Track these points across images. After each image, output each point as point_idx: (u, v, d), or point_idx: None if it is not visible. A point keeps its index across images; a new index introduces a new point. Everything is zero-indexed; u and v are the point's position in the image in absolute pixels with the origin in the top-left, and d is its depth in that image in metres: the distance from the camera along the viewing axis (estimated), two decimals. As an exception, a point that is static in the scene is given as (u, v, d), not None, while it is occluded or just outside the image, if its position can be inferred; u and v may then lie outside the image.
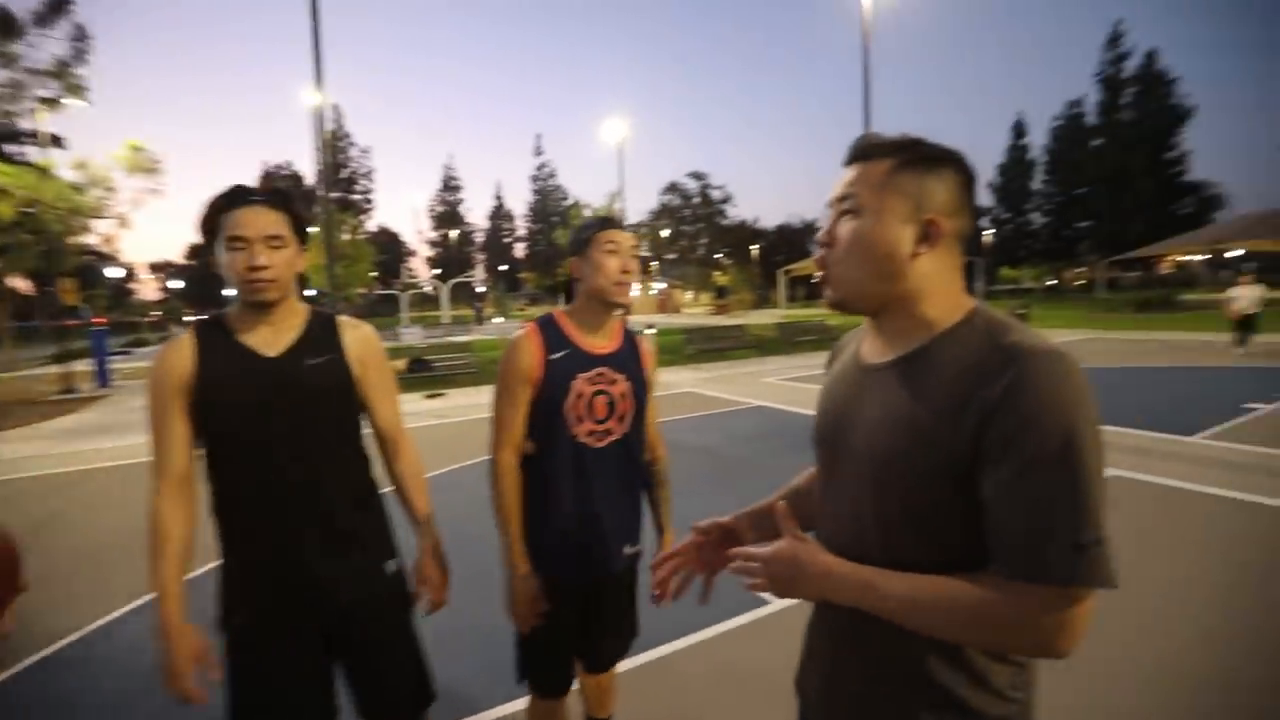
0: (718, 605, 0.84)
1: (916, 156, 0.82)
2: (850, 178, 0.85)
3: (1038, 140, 53.94)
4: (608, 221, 1.60)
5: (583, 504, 1.58)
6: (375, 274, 38.41)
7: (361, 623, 1.41)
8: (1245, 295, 11.58)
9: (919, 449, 0.77)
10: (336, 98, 73.63)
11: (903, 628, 0.77)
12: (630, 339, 1.69)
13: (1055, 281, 51.36)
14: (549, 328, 1.58)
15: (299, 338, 1.37)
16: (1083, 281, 50.61)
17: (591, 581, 1.65)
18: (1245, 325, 11.60)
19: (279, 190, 1.36)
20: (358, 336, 1.45)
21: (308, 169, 65.19)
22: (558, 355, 1.55)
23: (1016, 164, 53.80)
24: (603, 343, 1.61)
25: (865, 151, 0.85)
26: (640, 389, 1.65)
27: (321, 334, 1.40)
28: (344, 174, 65.13)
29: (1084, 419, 0.69)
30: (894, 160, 0.83)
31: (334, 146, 63.67)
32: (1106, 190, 45.56)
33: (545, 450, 1.57)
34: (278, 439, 1.31)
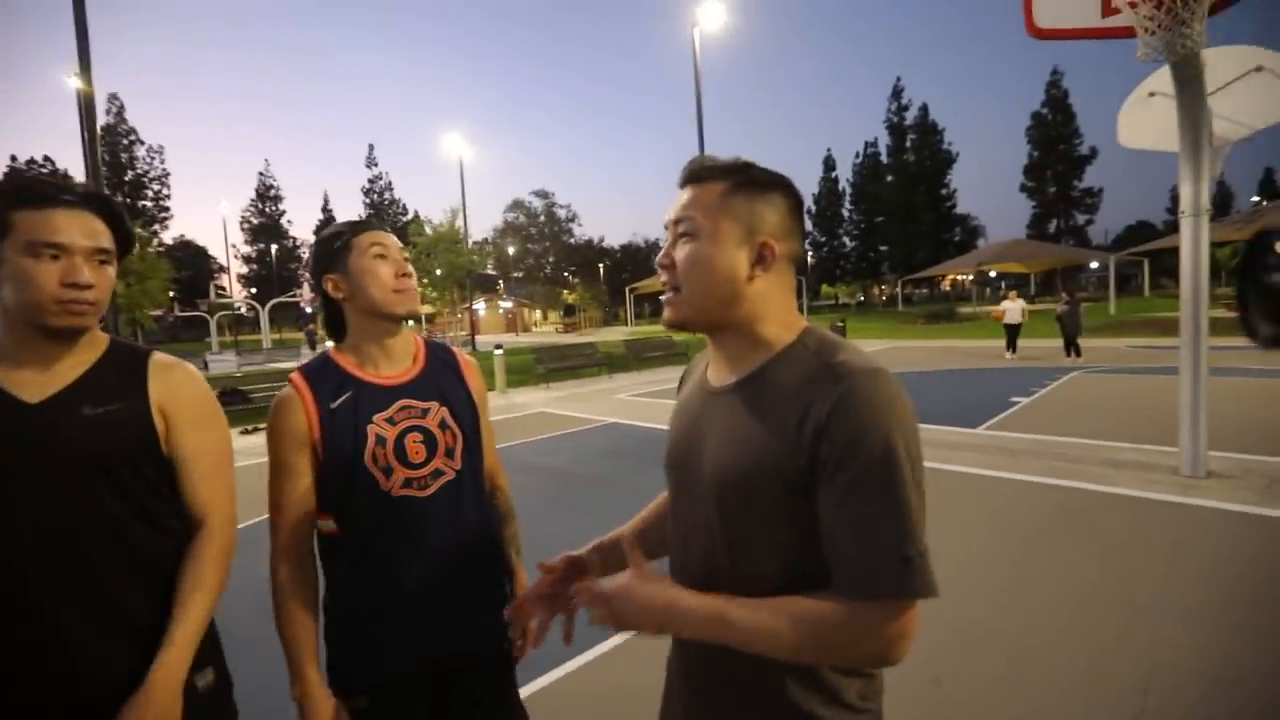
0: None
1: (748, 180, 0.85)
2: (686, 200, 0.86)
3: (844, 174, 62.01)
4: (362, 224, 1.31)
5: (416, 572, 1.23)
6: (173, 293, 33.16)
7: None
8: (1011, 308, 13.83)
9: (760, 469, 0.79)
10: (114, 87, 63.17)
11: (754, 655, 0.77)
12: (437, 355, 1.39)
13: (863, 298, 58.63)
14: (320, 371, 1.26)
15: (79, 379, 1.06)
16: (885, 297, 58.41)
17: (442, 670, 1.27)
18: (1013, 333, 13.70)
19: (103, 195, 1.08)
20: (173, 380, 1.13)
21: (75, 168, 55.08)
22: (339, 401, 1.23)
23: (829, 194, 61.11)
24: (397, 369, 1.30)
25: (699, 174, 0.87)
26: (464, 411, 1.34)
27: (117, 375, 1.09)
28: (128, 176, 55.94)
29: (901, 435, 0.74)
30: (727, 184, 0.84)
31: (114, 143, 54.55)
32: (898, 220, 53.32)
33: (353, 523, 1.23)
34: (22, 509, 0.98)
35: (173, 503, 1.13)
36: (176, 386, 1.13)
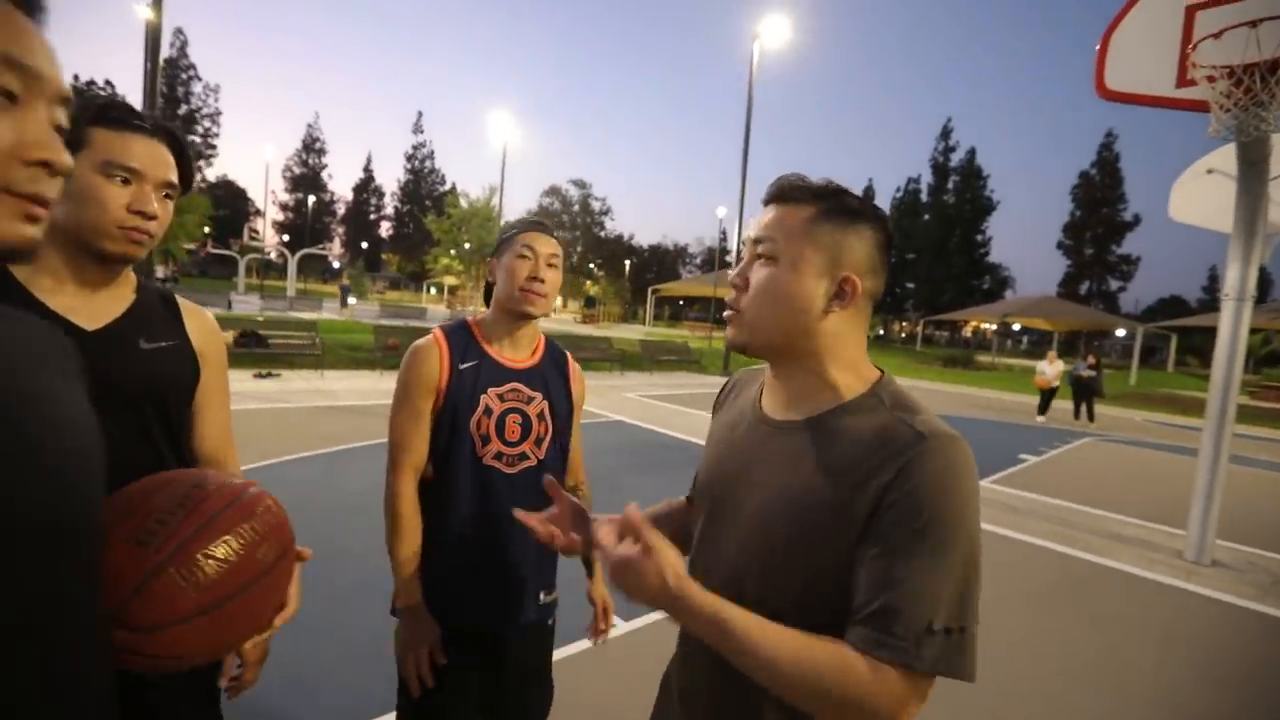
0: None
1: (839, 207, 0.80)
2: (769, 220, 0.82)
3: (882, 206, 61.47)
4: (533, 225, 1.41)
5: (489, 538, 1.36)
6: (209, 230, 33.52)
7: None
8: (1051, 370, 12.48)
9: (815, 520, 0.75)
10: (181, 20, 64.18)
11: (748, 694, 0.74)
12: (554, 354, 1.51)
13: (882, 332, 58.22)
14: (458, 334, 1.40)
15: (128, 311, 1.06)
16: (905, 334, 57.94)
17: (496, 634, 1.40)
18: (1049, 396, 12.51)
19: (176, 130, 1.07)
20: (203, 325, 1.16)
21: (133, 93, 56.05)
22: (467, 365, 1.36)
23: (864, 224, 60.56)
24: (518, 356, 1.43)
25: (787, 194, 0.82)
26: (562, 410, 1.46)
27: (160, 312, 1.11)
28: (182, 110, 56.80)
29: (961, 508, 0.70)
30: (816, 208, 0.80)
31: (172, 75, 55.43)
32: (929, 259, 52.89)
33: (446, 475, 1.36)
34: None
35: (186, 445, 1.14)
36: (208, 331, 1.16)
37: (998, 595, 3.76)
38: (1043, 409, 12.70)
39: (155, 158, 1.01)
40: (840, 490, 0.74)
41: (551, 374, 1.47)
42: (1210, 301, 57.38)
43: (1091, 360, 12.72)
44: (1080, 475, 7.60)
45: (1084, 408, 12.47)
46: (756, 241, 0.82)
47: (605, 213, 63.66)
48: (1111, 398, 16.97)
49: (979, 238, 54.10)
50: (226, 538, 0.70)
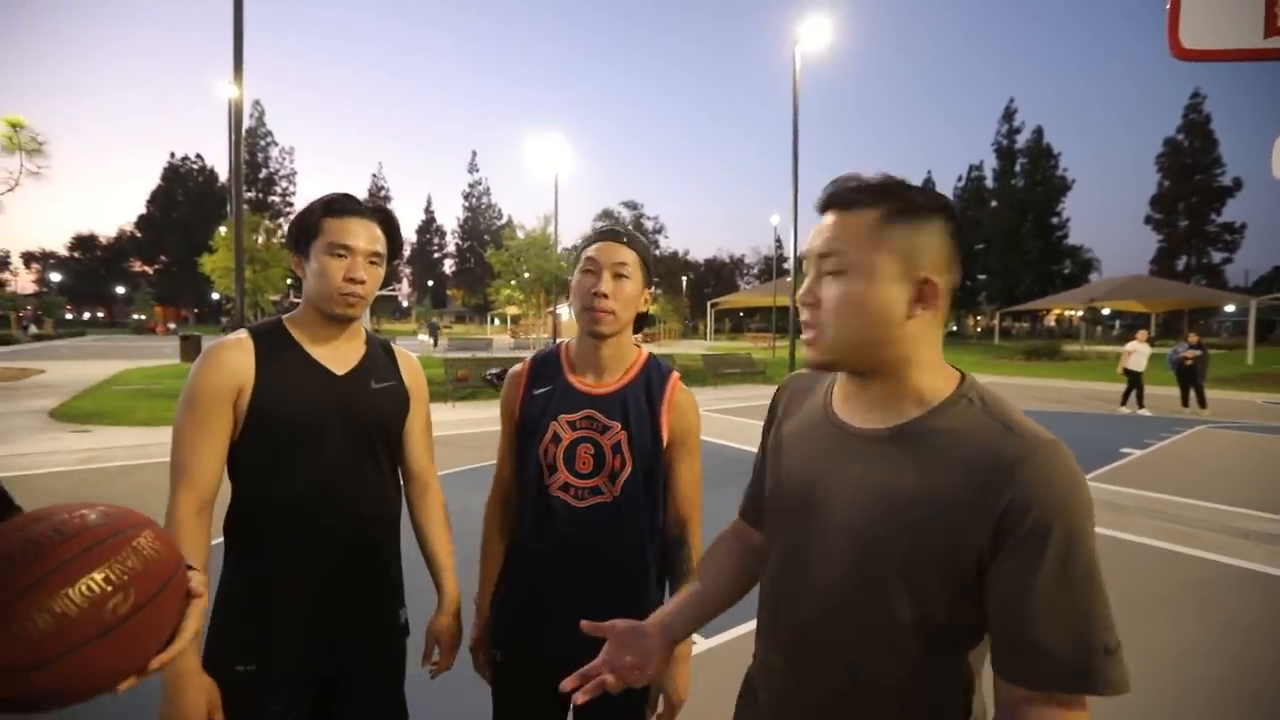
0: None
1: (905, 206, 0.74)
2: (832, 231, 0.77)
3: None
4: (603, 233, 1.30)
5: (544, 570, 1.29)
6: (289, 280, 36.19)
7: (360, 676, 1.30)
8: (1138, 351, 11.30)
9: (918, 533, 0.72)
10: (258, 93, 70.03)
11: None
12: (651, 378, 1.32)
13: (955, 328, 55.53)
14: (544, 359, 1.37)
15: (362, 358, 1.33)
16: (980, 329, 55.06)
17: (558, 665, 1.19)
18: (1136, 380, 11.29)
19: (386, 209, 1.33)
20: (412, 366, 1.43)
21: (220, 164, 61.31)
22: (541, 390, 1.32)
23: (927, 218, 58.32)
24: (600, 380, 1.31)
25: (846, 199, 0.76)
26: (648, 445, 1.28)
27: (383, 358, 1.38)
28: (262, 174, 61.70)
29: (1091, 519, 0.68)
30: (881, 210, 0.74)
31: (253, 144, 60.37)
32: (1001, 248, 50.18)
33: (520, 500, 1.34)
34: (335, 456, 1.24)
35: (400, 462, 1.41)
36: (414, 371, 1.42)
37: (1114, 602, 3.46)
38: (1128, 397, 11.35)
39: (365, 234, 1.25)
40: (947, 502, 0.71)
41: (639, 401, 1.30)
42: (1334, 266, 51.65)
43: (1194, 339, 11.60)
44: (1194, 467, 6.94)
45: (1192, 393, 11.38)
46: (822, 256, 0.77)
47: (659, 231, 64.17)
48: (1223, 380, 15.48)
49: (1055, 220, 50.82)
50: (66, 589, 0.63)
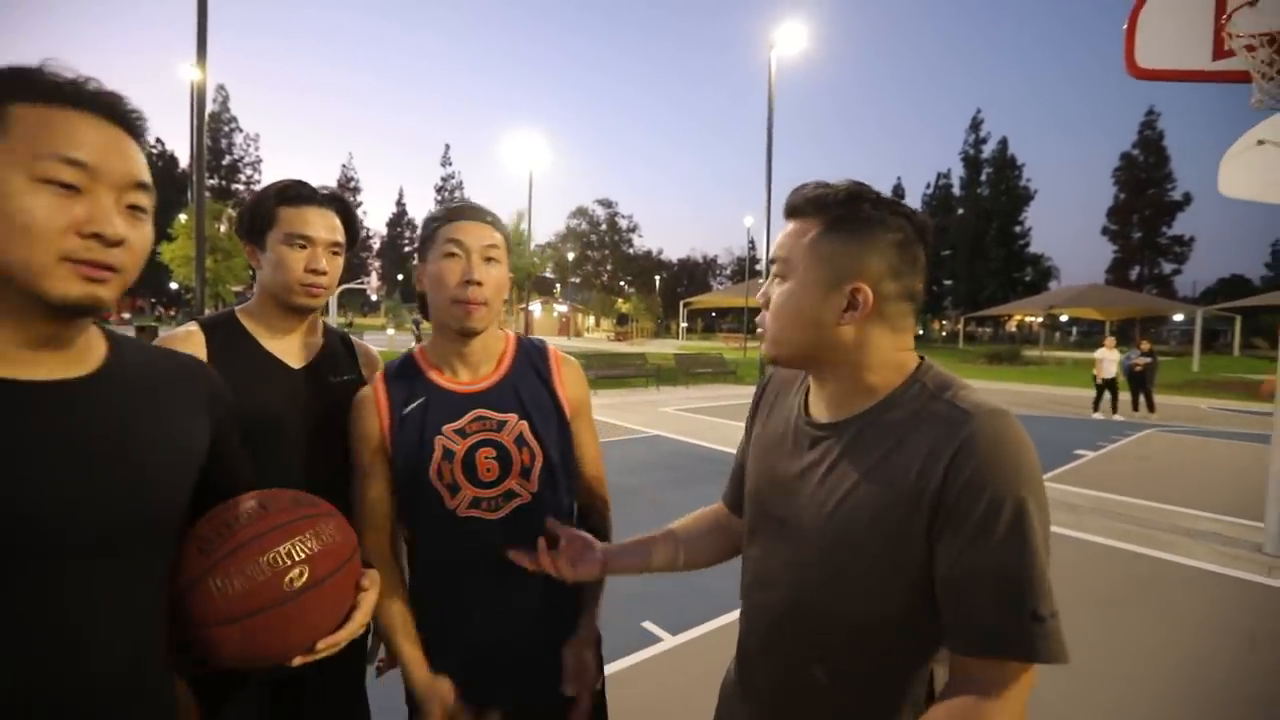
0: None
1: (849, 217, 0.78)
2: (784, 237, 0.83)
3: (913, 204, 60.71)
4: (464, 210, 1.14)
5: (486, 606, 1.12)
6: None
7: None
8: (1108, 358, 11.36)
9: (871, 516, 0.75)
10: (222, 78, 67.81)
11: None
12: (528, 357, 1.22)
13: (921, 331, 56.86)
14: (400, 372, 1.18)
15: (320, 352, 1.29)
16: (945, 333, 56.50)
17: (513, 708, 1.15)
18: (1108, 387, 11.39)
19: (343, 198, 1.29)
20: (371, 360, 1.40)
21: (181, 149, 59.25)
22: (411, 407, 1.13)
23: (896, 223, 59.75)
24: (477, 376, 1.17)
25: (798, 208, 0.82)
26: (551, 425, 1.17)
27: (342, 351, 1.34)
28: (226, 160, 59.81)
29: (1032, 485, 0.70)
30: (823, 222, 0.79)
31: (216, 129, 58.46)
32: (967, 255, 51.62)
33: (422, 538, 1.17)
34: (295, 454, 1.20)
35: None
36: (374, 364, 1.39)
37: (1063, 599, 3.57)
38: (1097, 403, 11.66)
39: (324, 223, 1.21)
40: (890, 484, 0.75)
41: (527, 383, 1.19)
42: (1276, 279, 54.29)
43: (1145, 347, 12.08)
44: (1143, 469, 7.23)
45: (1142, 398, 11.86)
46: (773, 260, 0.85)
47: (633, 230, 64.17)
48: (1171, 386, 16.14)
49: (1017, 229, 52.63)
50: (259, 557, 0.73)
